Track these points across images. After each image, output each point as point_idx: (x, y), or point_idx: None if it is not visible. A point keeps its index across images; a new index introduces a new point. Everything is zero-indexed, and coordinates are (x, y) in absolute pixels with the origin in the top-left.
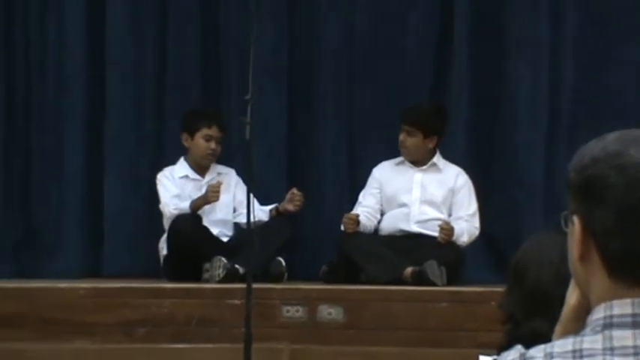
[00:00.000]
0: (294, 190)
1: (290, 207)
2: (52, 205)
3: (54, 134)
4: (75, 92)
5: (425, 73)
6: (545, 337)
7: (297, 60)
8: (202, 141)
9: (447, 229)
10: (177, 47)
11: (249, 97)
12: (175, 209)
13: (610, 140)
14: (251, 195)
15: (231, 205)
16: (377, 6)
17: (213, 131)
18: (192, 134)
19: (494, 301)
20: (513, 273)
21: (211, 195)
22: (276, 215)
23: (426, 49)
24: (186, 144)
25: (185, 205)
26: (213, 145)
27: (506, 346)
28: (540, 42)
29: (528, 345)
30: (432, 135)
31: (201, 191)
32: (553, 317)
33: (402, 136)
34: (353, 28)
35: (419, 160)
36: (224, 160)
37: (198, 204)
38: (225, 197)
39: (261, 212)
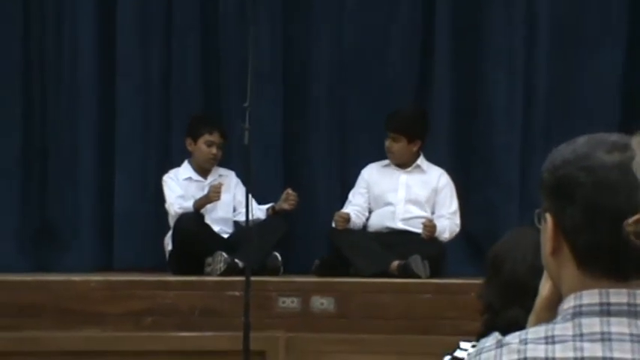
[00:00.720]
0: (289, 191)
1: (285, 206)
2: (67, 204)
3: (68, 138)
4: (87, 99)
5: (409, 80)
6: (521, 325)
7: (291, 69)
8: (204, 146)
9: (429, 226)
10: (181, 58)
11: (247, 104)
12: (180, 208)
13: (579, 143)
14: (250, 195)
15: (232, 204)
16: (363, 18)
17: (215, 137)
18: (195, 139)
19: (474, 292)
20: (491, 266)
21: (213, 195)
22: (272, 214)
23: (409, 58)
24: (189, 148)
25: (189, 205)
26: (214, 150)
27: (485, 333)
28: (515, 50)
29: (505, 332)
30: (415, 139)
31: (204, 192)
32: (528, 307)
33: (387, 143)
34: (341, 38)
35: (404, 163)
36: (225, 162)
37: (200, 203)
38: (225, 197)
39: (259, 211)
